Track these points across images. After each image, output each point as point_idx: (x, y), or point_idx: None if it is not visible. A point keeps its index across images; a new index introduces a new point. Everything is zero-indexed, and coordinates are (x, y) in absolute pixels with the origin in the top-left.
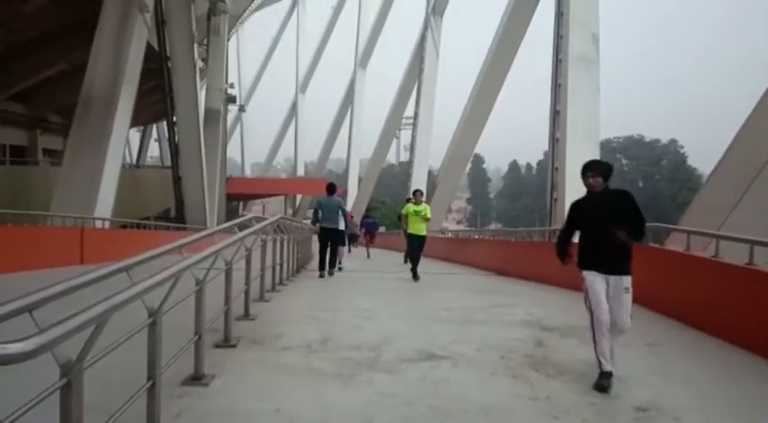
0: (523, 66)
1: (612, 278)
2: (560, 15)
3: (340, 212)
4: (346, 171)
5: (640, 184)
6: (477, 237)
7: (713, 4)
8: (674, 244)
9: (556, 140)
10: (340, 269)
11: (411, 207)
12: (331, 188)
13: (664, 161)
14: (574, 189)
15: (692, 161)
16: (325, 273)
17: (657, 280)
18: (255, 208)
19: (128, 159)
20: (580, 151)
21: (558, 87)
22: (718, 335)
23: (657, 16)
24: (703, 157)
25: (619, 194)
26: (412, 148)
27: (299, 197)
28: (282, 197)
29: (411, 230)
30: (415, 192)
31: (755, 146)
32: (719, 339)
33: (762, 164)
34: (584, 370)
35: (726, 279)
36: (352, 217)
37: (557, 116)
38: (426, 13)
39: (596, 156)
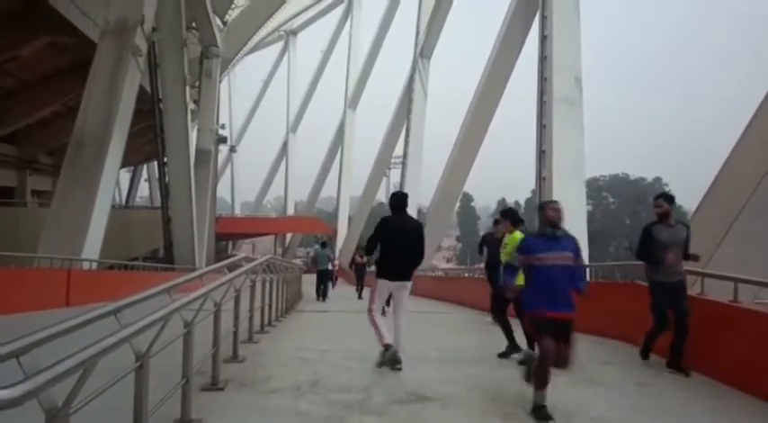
0: (510, 105)
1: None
2: (544, 59)
3: (329, 261)
4: (336, 210)
5: (627, 222)
6: (467, 275)
7: (695, 44)
8: None
9: (542, 179)
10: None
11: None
12: (324, 245)
13: (650, 199)
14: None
15: (677, 198)
16: (320, 297)
17: (646, 318)
18: (245, 247)
19: (117, 199)
20: (566, 190)
21: (543, 128)
22: (706, 372)
23: (640, 56)
24: (688, 195)
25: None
26: (401, 186)
27: (288, 236)
28: (272, 236)
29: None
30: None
31: (737, 183)
32: (708, 377)
33: (744, 201)
34: (574, 410)
35: (711, 317)
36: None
37: (542, 156)
38: (414, 55)
39: (582, 194)
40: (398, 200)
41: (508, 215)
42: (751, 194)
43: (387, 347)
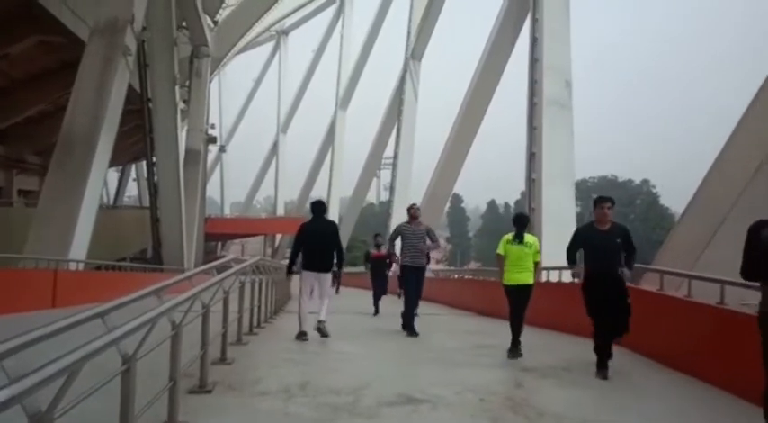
0: (502, 108)
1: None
2: (534, 61)
3: None
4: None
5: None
6: (456, 276)
7: (685, 49)
8: (649, 284)
9: (532, 181)
10: None
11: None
12: None
13: (638, 201)
14: (550, 229)
15: (663, 201)
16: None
17: (634, 320)
18: (234, 248)
19: (105, 199)
20: (556, 192)
21: (533, 130)
22: (691, 373)
23: (630, 59)
24: (675, 197)
25: None
26: (392, 187)
27: (278, 237)
28: (262, 237)
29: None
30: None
31: (724, 187)
32: (693, 378)
33: (730, 205)
34: (563, 412)
35: (698, 318)
36: None
37: (533, 158)
38: (405, 57)
39: (572, 196)
40: (318, 206)
41: (518, 221)
42: (739, 195)
43: (301, 334)
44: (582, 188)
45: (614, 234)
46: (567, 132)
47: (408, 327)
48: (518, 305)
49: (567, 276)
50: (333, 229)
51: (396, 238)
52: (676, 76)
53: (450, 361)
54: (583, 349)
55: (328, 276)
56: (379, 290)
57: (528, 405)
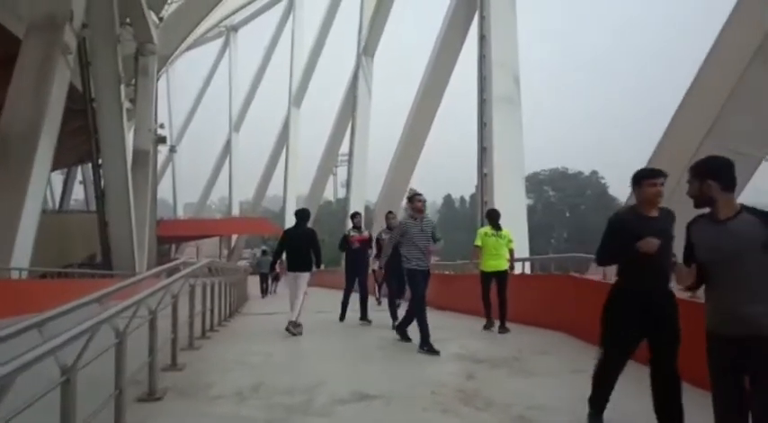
0: (456, 102)
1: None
2: (483, 58)
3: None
4: (283, 209)
5: (567, 214)
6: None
7: (633, 48)
8: (595, 273)
9: (484, 175)
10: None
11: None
12: (264, 252)
13: (588, 192)
14: (502, 222)
15: (612, 191)
16: (264, 295)
17: (580, 308)
18: (189, 250)
19: (50, 204)
20: (507, 185)
21: (483, 125)
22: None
23: (579, 58)
24: (622, 188)
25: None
26: (348, 184)
27: (234, 237)
28: (217, 238)
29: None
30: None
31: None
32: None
33: (669, 193)
34: (512, 401)
35: None
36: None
37: (484, 153)
38: (357, 53)
39: (522, 189)
40: (301, 214)
41: (491, 215)
42: (676, 185)
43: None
44: (534, 181)
45: (667, 222)
46: (516, 128)
47: (425, 342)
48: (490, 290)
49: (517, 267)
50: (312, 234)
51: (401, 237)
52: (620, 72)
53: (405, 356)
54: (532, 338)
55: (306, 275)
56: (361, 288)
57: (478, 396)
